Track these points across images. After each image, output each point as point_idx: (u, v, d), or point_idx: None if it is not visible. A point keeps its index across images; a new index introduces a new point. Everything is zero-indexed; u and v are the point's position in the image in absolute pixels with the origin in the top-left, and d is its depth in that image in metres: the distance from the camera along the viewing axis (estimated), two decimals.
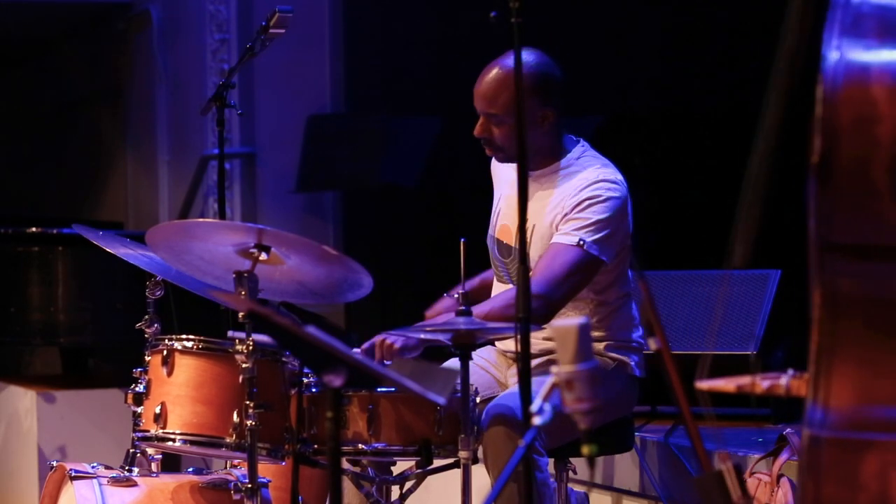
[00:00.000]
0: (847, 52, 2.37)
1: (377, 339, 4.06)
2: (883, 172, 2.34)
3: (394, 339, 4.02)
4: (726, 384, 2.54)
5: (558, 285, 4.05)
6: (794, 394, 2.46)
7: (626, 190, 4.19)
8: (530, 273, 4.10)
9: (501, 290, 4.32)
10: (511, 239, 4.28)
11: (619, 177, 4.21)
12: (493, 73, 4.21)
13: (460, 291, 3.90)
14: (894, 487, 2.31)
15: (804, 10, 2.54)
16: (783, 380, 2.48)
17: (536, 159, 4.16)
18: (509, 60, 4.22)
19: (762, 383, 2.49)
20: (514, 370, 4.34)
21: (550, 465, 4.19)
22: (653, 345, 2.77)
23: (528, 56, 4.19)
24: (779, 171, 2.56)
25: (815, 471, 2.32)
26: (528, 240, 4.18)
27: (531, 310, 3.65)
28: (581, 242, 4.07)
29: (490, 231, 4.39)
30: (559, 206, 4.17)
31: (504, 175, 4.43)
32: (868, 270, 2.36)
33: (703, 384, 2.57)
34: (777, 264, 5.39)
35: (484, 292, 4.42)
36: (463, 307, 3.86)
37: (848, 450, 2.33)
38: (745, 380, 2.52)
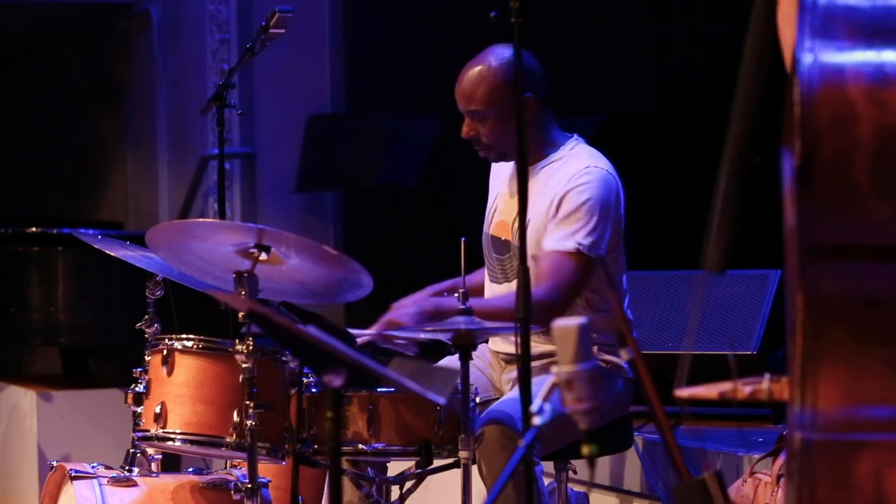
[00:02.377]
0: (820, 54, 2.37)
1: (385, 318, 4.10)
2: (864, 172, 2.34)
3: (402, 317, 4.08)
4: (708, 391, 2.54)
5: (566, 292, 4.09)
6: (777, 398, 2.46)
7: (615, 180, 4.19)
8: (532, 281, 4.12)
9: (494, 289, 4.32)
10: (508, 234, 4.28)
11: (609, 167, 4.21)
12: (470, 71, 4.24)
13: (461, 290, 3.90)
14: (889, 487, 2.31)
15: (769, 11, 2.54)
16: (764, 384, 2.48)
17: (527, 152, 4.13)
18: (484, 57, 4.24)
19: (744, 389, 2.49)
20: (509, 374, 4.33)
21: (550, 465, 4.19)
22: (625, 355, 2.77)
23: (502, 50, 4.22)
24: (758, 175, 2.56)
25: (810, 474, 2.32)
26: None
27: (543, 318, 3.77)
28: (579, 247, 4.09)
29: (484, 229, 4.39)
30: (551, 198, 4.17)
31: (499, 174, 4.43)
32: (851, 271, 2.36)
33: (684, 392, 2.57)
34: (777, 264, 5.39)
35: (480, 290, 4.42)
36: (463, 306, 3.86)
37: (841, 451, 2.33)
38: (726, 386, 2.52)
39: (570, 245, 4.09)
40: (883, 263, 2.35)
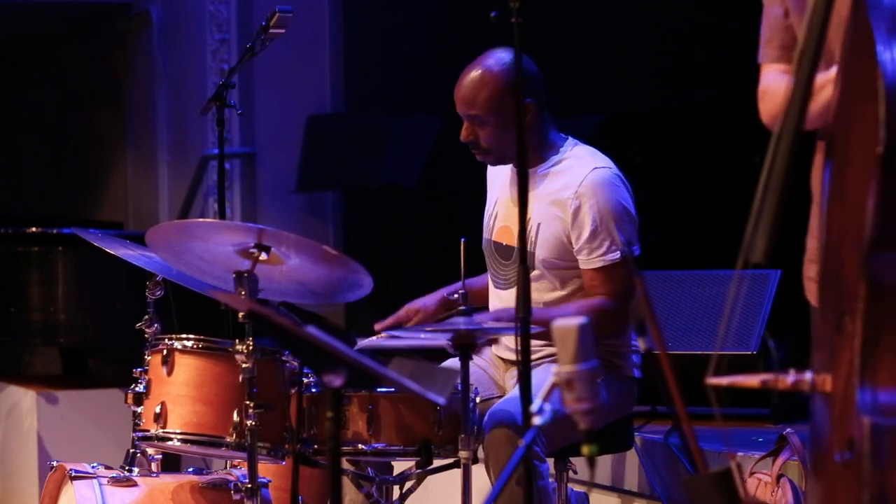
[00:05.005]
0: None
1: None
2: None
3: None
4: (749, 380, 2.55)
5: (625, 297, 4.17)
6: (819, 389, 2.47)
7: (619, 176, 4.26)
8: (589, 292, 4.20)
9: (500, 295, 4.32)
10: (512, 240, 4.28)
11: (611, 164, 4.27)
12: (470, 75, 4.24)
13: (461, 291, 3.90)
14: None
15: (825, 8, 2.55)
16: (807, 375, 2.49)
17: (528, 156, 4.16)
18: (485, 60, 4.24)
19: (787, 379, 2.50)
20: (512, 373, 4.34)
21: (550, 464, 4.19)
22: (643, 344, 2.77)
23: (502, 55, 4.22)
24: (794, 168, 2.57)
25: (880, 459, 2.33)
26: (534, 238, 4.20)
27: (612, 326, 4.11)
28: (624, 253, 4.18)
29: (486, 235, 4.39)
30: (564, 204, 4.18)
31: (498, 178, 4.44)
32: None
33: (722, 380, 2.58)
34: (777, 264, 5.40)
35: (486, 294, 4.43)
36: (463, 307, 3.87)
37: None
38: (768, 376, 2.53)
39: (615, 256, 4.17)
40: None
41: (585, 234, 4.18)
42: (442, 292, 4.40)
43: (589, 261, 4.19)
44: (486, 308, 4.38)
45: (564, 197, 4.20)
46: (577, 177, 4.20)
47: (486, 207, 4.45)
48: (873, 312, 2.37)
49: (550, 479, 4.15)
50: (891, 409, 2.35)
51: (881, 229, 2.37)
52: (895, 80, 2.39)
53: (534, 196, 4.21)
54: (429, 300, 4.41)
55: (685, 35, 6.85)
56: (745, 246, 2.58)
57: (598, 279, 4.19)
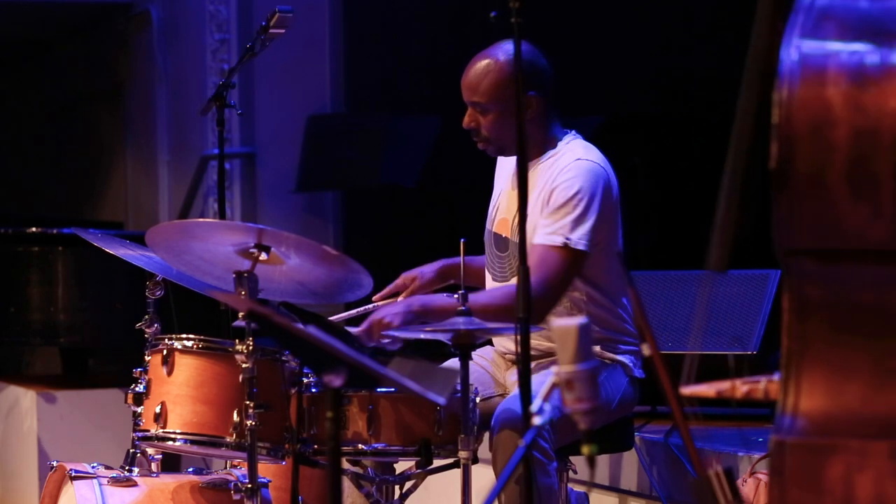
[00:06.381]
0: (805, 54, 2.37)
1: (374, 318, 4.07)
2: (839, 177, 2.34)
3: (391, 318, 4.04)
4: (707, 389, 2.54)
5: (554, 287, 4.06)
6: (773, 397, 2.46)
7: (605, 172, 4.19)
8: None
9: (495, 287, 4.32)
10: (508, 231, 4.28)
11: (600, 159, 4.21)
12: (478, 63, 4.24)
13: (460, 292, 3.90)
14: (859, 491, 2.30)
15: (773, 11, 2.54)
16: (761, 383, 2.48)
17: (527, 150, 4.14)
18: (494, 51, 4.24)
19: (742, 388, 2.49)
20: (512, 372, 4.34)
21: None
22: (645, 350, 2.77)
23: (511, 47, 4.21)
24: (760, 174, 2.56)
25: (780, 475, 2.32)
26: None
27: (532, 313, 3.72)
28: (566, 242, 4.08)
29: (487, 226, 4.40)
30: (541, 195, 4.18)
31: (504, 169, 4.44)
32: (831, 274, 2.36)
33: (686, 389, 2.58)
34: (777, 264, 5.39)
35: (480, 274, 4.43)
36: (463, 308, 3.87)
37: (812, 454, 2.32)
38: (724, 384, 2.52)
39: (557, 239, 4.09)
40: (862, 267, 2.36)
41: (546, 211, 4.14)
42: (440, 263, 4.41)
43: (534, 234, 4.11)
44: (482, 287, 4.38)
45: (549, 188, 4.18)
46: (560, 167, 4.19)
47: (492, 198, 4.45)
48: (796, 326, 2.36)
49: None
50: (801, 425, 2.33)
51: (784, 243, 2.36)
52: (791, 89, 2.36)
53: (528, 189, 4.20)
54: (426, 268, 4.41)
55: (685, 36, 6.85)
56: (707, 255, 2.58)
57: (534, 258, 4.01)
